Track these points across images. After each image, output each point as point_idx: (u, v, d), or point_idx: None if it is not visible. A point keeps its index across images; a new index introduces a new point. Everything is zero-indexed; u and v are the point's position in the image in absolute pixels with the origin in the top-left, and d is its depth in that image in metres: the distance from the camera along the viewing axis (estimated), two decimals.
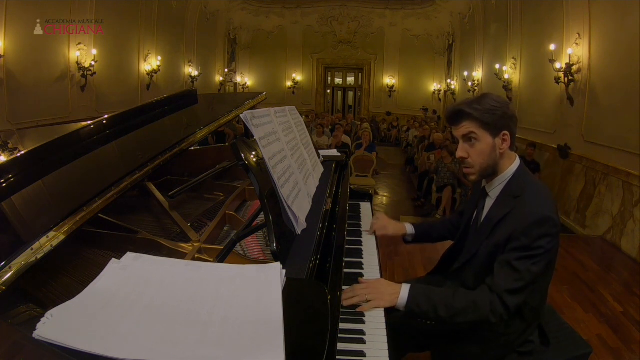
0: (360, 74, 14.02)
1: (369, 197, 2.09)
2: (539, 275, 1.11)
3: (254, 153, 1.07)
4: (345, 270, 1.25)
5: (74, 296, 0.72)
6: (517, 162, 1.23)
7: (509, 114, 1.18)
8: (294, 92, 13.60)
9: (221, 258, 0.99)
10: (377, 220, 1.62)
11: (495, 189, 1.24)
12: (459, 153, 1.22)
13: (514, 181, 1.20)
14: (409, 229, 1.57)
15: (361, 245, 1.52)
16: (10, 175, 0.90)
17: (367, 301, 1.12)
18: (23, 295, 0.78)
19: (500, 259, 1.13)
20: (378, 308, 1.12)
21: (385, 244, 1.61)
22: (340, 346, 0.96)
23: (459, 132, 1.21)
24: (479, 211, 1.31)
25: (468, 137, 1.19)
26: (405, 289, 1.15)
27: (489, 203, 1.27)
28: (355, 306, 1.12)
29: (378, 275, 1.34)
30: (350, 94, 14.68)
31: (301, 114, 1.86)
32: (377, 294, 1.14)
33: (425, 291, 1.15)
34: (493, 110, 1.15)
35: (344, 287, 1.15)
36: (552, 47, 5.36)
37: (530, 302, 1.16)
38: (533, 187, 1.17)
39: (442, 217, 2.07)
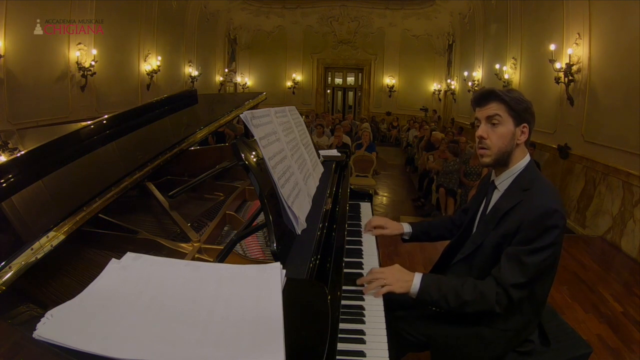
0: (360, 74, 14.02)
1: (369, 197, 2.09)
2: (545, 269, 1.14)
3: (254, 153, 1.07)
4: (345, 270, 1.25)
5: (74, 296, 0.72)
6: (527, 157, 1.27)
7: (531, 111, 1.23)
8: (294, 92, 13.59)
9: (221, 258, 0.99)
10: (374, 220, 1.62)
11: (504, 182, 1.27)
12: (479, 132, 1.24)
13: (523, 175, 1.23)
14: (407, 227, 1.58)
15: (361, 245, 1.52)
16: (10, 175, 0.90)
17: (384, 285, 1.17)
18: (23, 295, 0.78)
19: (507, 250, 1.15)
20: (393, 292, 1.17)
21: (385, 244, 1.61)
22: (340, 346, 0.96)
23: (484, 113, 1.23)
24: (486, 204, 1.33)
25: (492, 120, 1.22)
26: (417, 278, 1.19)
27: (496, 196, 1.29)
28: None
29: None
30: (350, 94, 14.67)
31: (301, 114, 1.86)
32: (392, 280, 1.18)
33: (436, 281, 1.19)
34: (520, 101, 1.20)
35: (344, 287, 1.16)
36: (552, 47, 5.35)
37: (534, 296, 1.18)
38: (541, 182, 1.21)
39: (443, 216, 2.07)
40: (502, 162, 1.25)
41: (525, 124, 1.22)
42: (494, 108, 1.21)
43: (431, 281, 1.18)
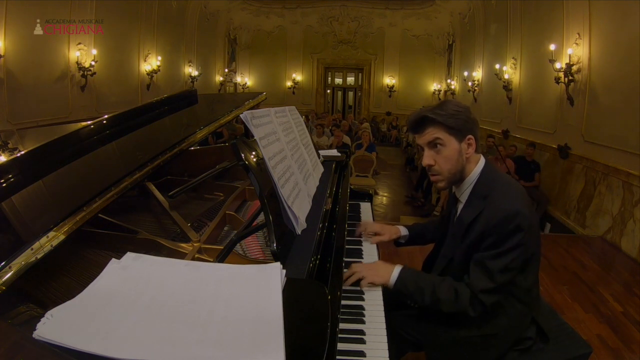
0: (360, 74, 14.01)
1: (369, 197, 2.09)
2: (516, 271, 1.12)
3: (254, 153, 1.07)
4: (345, 270, 1.25)
5: (74, 296, 0.72)
6: (481, 162, 1.23)
7: (472, 118, 1.19)
8: (294, 92, 13.58)
9: (221, 258, 0.99)
10: (370, 227, 1.60)
11: (464, 193, 1.25)
12: (425, 161, 1.21)
13: (480, 182, 1.20)
14: (403, 230, 1.58)
15: (361, 245, 1.52)
16: (10, 175, 0.90)
17: (363, 278, 1.21)
18: (23, 295, 0.78)
19: (475, 257, 1.15)
20: (373, 284, 1.21)
21: (385, 244, 1.61)
22: (340, 346, 0.96)
23: (424, 140, 1.20)
24: (452, 217, 1.32)
25: (434, 144, 1.19)
26: (397, 270, 1.22)
27: (459, 207, 1.27)
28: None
29: None
30: (350, 94, 14.66)
31: (301, 114, 1.86)
32: (372, 272, 1.22)
33: (414, 276, 1.22)
34: (456, 115, 1.15)
35: (344, 287, 1.16)
36: (552, 47, 5.35)
37: (516, 297, 1.17)
38: (501, 184, 1.17)
39: (434, 218, 2.08)
40: (457, 180, 1.23)
41: (470, 135, 1.18)
42: (431, 133, 1.17)
43: (409, 274, 1.21)
